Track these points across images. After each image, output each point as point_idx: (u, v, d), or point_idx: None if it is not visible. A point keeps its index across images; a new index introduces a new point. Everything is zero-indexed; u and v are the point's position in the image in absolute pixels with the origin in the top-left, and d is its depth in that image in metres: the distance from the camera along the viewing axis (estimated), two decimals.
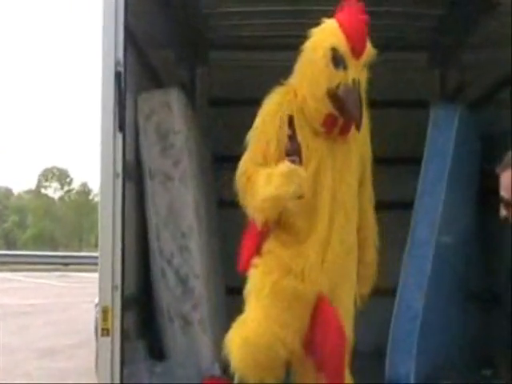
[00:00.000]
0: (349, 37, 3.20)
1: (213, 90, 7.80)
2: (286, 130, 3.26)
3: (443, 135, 5.99)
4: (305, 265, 3.31)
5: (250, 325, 3.27)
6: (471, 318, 6.58)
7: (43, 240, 56.61)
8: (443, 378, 5.80)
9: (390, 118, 7.70)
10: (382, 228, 7.41)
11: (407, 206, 6.11)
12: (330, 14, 7.05)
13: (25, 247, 50.53)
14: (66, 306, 16.78)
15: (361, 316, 6.31)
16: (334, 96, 3.22)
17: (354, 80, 3.20)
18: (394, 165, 7.64)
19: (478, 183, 6.47)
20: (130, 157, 5.39)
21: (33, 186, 64.05)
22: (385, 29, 7.44)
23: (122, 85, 4.66)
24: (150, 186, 5.77)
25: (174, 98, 5.86)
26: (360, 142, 3.52)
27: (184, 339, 5.71)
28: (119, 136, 4.67)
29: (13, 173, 68.56)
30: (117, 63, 4.64)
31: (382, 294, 6.34)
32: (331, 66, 3.23)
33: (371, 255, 3.76)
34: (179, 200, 5.75)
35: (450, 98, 7.47)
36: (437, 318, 5.85)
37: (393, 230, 6.78)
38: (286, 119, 3.34)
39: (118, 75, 4.64)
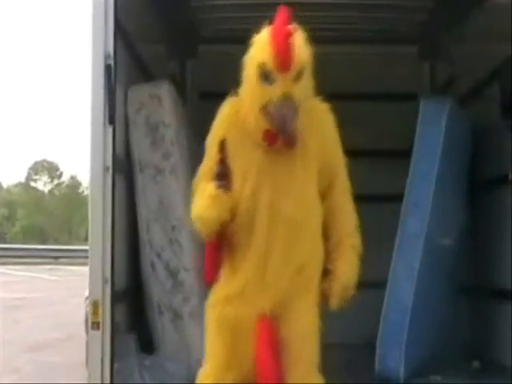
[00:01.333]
0: (274, 51, 3.12)
1: (203, 83, 7.79)
2: (217, 155, 3.26)
3: (433, 128, 6.00)
4: (244, 286, 3.27)
5: (204, 371, 3.42)
6: (460, 311, 6.61)
7: (33, 233, 56.49)
8: (433, 370, 5.82)
9: (379, 111, 7.72)
10: (371, 221, 7.47)
11: (397, 199, 6.11)
12: (320, 7, 7.09)
13: (14, 241, 50.40)
14: (56, 300, 16.74)
15: (352, 309, 6.32)
16: (266, 112, 3.17)
17: (283, 94, 3.11)
18: (384, 158, 7.65)
19: (468, 176, 6.49)
20: (120, 150, 5.38)
21: (22, 179, 63.98)
22: (375, 22, 7.45)
23: (112, 78, 4.65)
24: (140, 179, 5.77)
25: (164, 91, 5.85)
26: (317, 149, 3.36)
27: (174, 332, 5.71)
28: (109, 129, 4.67)
29: (2, 166, 68.33)
30: (107, 56, 4.64)
31: (373, 286, 6.37)
32: (260, 82, 3.16)
33: (347, 259, 3.41)
34: (169, 193, 5.74)
35: (440, 92, 7.48)
36: (426, 311, 5.87)
37: (382, 223, 6.81)
38: (227, 133, 3.32)
39: (107, 68, 4.63)
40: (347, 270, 3.36)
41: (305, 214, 3.29)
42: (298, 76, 3.14)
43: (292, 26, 3.20)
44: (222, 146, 3.22)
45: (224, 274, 3.36)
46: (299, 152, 3.28)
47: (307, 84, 3.22)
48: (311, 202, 3.33)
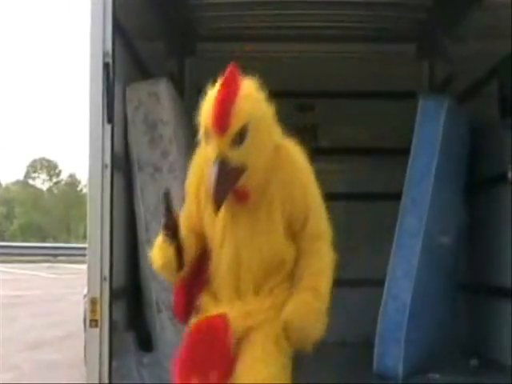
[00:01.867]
0: (212, 112, 3.00)
1: (201, 81, 7.78)
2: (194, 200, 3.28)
3: (431, 126, 6.00)
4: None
5: None
6: (459, 309, 6.62)
7: (31, 231, 56.52)
8: (431, 368, 5.83)
9: (377, 109, 7.73)
10: (370, 219, 7.49)
11: (395, 196, 6.12)
12: (319, 6, 7.09)
13: (12, 239, 50.37)
14: (54, 298, 16.75)
15: (351, 307, 6.34)
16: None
17: (217, 157, 2.97)
18: (383, 156, 7.67)
19: (466, 174, 6.49)
20: (119, 148, 5.38)
21: (21, 177, 63.96)
22: (374, 20, 7.46)
23: (111, 76, 4.65)
24: (139, 177, 5.77)
25: (163, 89, 5.85)
26: (284, 198, 3.18)
27: (173, 330, 5.71)
28: (108, 127, 4.67)
29: (0, 164, 68.26)
30: (105, 54, 4.64)
31: (372, 284, 6.38)
32: (204, 140, 3.07)
33: (299, 299, 3.16)
34: None
35: (439, 90, 7.49)
36: (425, 309, 5.87)
37: (381, 221, 6.82)
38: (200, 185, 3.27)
39: (106, 66, 4.63)
40: (293, 309, 3.14)
41: (270, 267, 3.21)
42: (238, 138, 2.98)
43: (238, 86, 3.06)
44: (167, 198, 3.16)
45: (205, 303, 3.29)
46: (263, 203, 3.17)
47: (256, 143, 3.03)
48: (277, 253, 3.21)
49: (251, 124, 3.00)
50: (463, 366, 6.10)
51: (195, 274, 3.35)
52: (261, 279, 3.21)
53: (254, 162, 3.04)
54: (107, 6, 4.64)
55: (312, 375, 5.04)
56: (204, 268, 3.31)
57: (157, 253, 3.27)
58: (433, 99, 6.27)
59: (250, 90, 3.08)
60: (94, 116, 4.64)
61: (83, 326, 4.87)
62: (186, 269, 3.29)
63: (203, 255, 3.31)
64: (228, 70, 3.08)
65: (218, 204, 3.03)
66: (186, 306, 3.38)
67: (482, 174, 6.57)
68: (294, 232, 3.25)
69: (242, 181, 3.03)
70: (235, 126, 2.97)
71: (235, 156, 2.98)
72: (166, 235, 3.19)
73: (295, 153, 3.26)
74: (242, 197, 3.12)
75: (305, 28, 7.73)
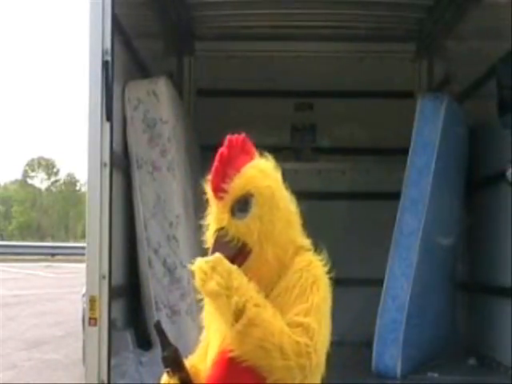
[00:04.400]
0: (212, 172, 2.56)
1: (200, 79, 7.81)
2: None
3: (430, 126, 6.00)
4: None
5: None
6: (457, 308, 6.62)
7: (29, 230, 56.60)
8: (429, 367, 5.83)
9: (376, 109, 7.73)
10: (369, 219, 7.50)
11: (394, 196, 6.12)
12: (319, 5, 7.10)
13: (11, 238, 50.40)
14: (53, 297, 16.76)
15: (350, 306, 6.32)
16: None
17: (216, 227, 2.54)
18: (382, 155, 7.67)
19: (465, 174, 6.49)
20: (118, 146, 5.38)
21: (19, 176, 64.02)
22: (373, 19, 7.47)
23: (110, 74, 4.65)
24: (138, 176, 5.77)
25: (162, 87, 5.85)
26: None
27: (171, 329, 5.71)
28: (107, 125, 4.66)
29: None
30: (104, 52, 4.63)
31: (371, 284, 6.38)
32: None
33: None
34: (167, 189, 5.75)
35: (438, 89, 7.49)
36: (423, 309, 5.87)
37: (380, 220, 6.82)
38: None
39: (105, 64, 4.63)
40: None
41: None
42: (240, 207, 2.50)
43: (248, 153, 2.61)
44: (159, 329, 2.75)
45: None
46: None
47: (262, 222, 2.49)
48: None
49: (256, 196, 2.51)
50: (462, 365, 6.10)
51: None
52: None
53: (260, 244, 2.49)
54: (106, 4, 4.64)
55: None
56: None
57: None
58: (431, 99, 6.27)
59: (261, 163, 2.59)
60: (93, 114, 4.64)
61: (82, 325, 4.87)
62: None
63: None
64: (235, 136, 2.63)
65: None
66: None
67: (481, 174, 6.57)
68: None
69: (246, 265, 2.48)
70: (237, 189, 2.51)
71: (234, 227, 2.50)
72: (168, 371, 2.79)
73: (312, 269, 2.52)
74: None
75: (303, 27, 7.74)
